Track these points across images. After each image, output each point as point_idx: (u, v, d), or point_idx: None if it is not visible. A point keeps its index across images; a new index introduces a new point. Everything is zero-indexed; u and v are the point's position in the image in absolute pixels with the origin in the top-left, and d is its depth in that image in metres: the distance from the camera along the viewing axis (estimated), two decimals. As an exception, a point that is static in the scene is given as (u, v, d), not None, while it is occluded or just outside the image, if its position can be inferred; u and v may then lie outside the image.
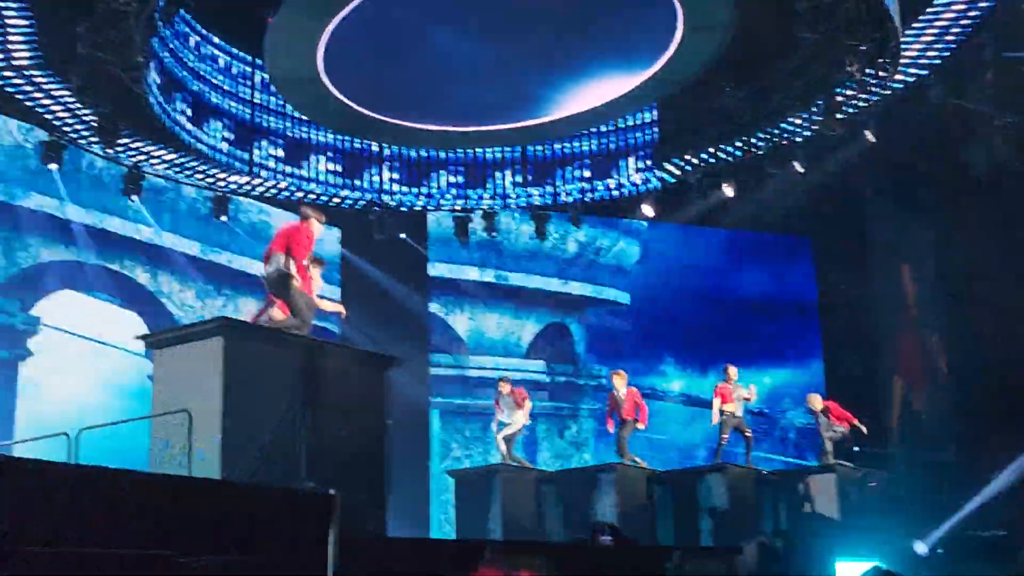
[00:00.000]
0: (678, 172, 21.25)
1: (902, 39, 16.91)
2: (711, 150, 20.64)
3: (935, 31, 17.62)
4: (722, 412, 17.49)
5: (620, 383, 17.51)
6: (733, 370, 17.87)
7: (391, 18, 16.86)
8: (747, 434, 17.64)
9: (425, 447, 22.21)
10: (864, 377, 21.86)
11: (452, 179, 21.37)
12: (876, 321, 21.79)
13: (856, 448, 18.72)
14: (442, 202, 21.65)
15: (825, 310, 23.13)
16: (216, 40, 18.55)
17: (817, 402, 18.01)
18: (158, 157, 19.47)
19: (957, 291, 21.88)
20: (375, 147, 20.78)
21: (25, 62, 16.67)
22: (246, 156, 19.13)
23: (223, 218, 20.74)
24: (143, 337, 11.31)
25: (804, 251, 23.96)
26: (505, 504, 16.59)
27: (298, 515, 8.64)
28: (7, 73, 16.87)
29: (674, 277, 23.90)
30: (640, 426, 17.43)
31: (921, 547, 14.85)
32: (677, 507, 16.96)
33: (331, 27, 16.50)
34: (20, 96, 17.43)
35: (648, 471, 17.33)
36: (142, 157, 19.34)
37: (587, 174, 21.39)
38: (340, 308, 13.16)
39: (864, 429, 17.54)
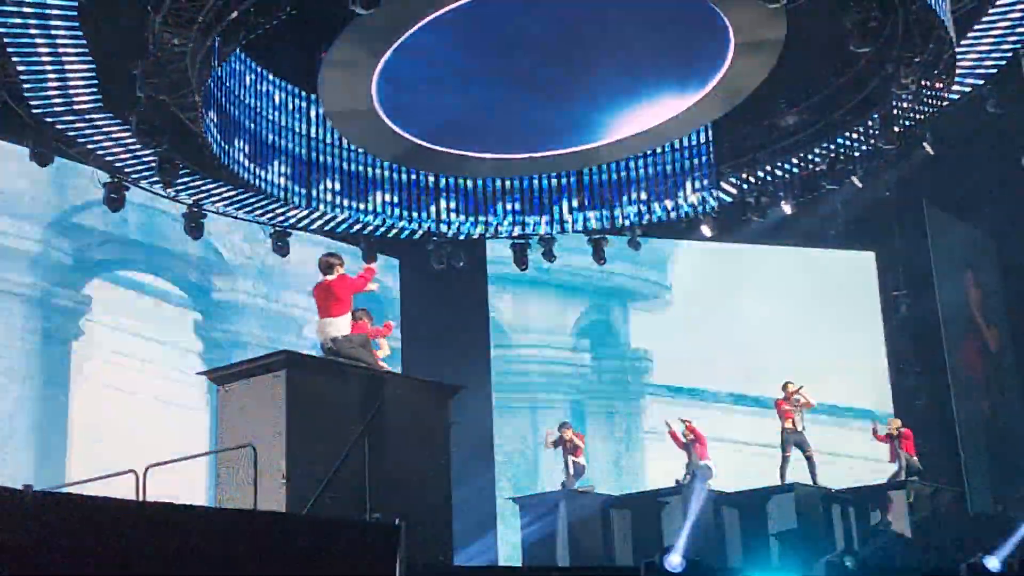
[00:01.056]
0: (735, 191, 21.13)
1: (957, 50, 16.74)
2: (768, 168, 20.53)
3: (990, 40, 17.42)
4: (784, 430, 17.46)
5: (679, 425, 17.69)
6: (792, 386, 17.81)
7: (443, 48, 16.95)
8: (808, 453, 17.53)
9: (491, 475, 22.19)
10: (930, 388, 21.60)
11: (509, 206, 21.39)
12: (940, 332, 21.52)
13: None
14: (500, 230, 21.67)
15: (889, 323, 22.87)
16: (271, 77, 18.73)
17: (895, 425, 17.95)
18: (218, 194, 19.68)
19: (1021, 295, 21.66)
20: (432, 177, 20.85)
21: (85, 105, 16.94)
22: (304, 191, 19.27)
23: (284, 254, 20.87)
24: (207, 373, 11.42)
25: (867, 266, 23.71)
26: (572, 529, 16.55)
27: (364, 546, 8.66)
28: (69, 117, 17.14)
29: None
30: (701, 460, 17.47)
31: (993, 562, 14.56)
32: (745, 529, 16.85)
33: (384, 59, 16.61)
34: (82, 139, 17.71)
35: (715, 492, 17.24)
36: (202, 195, 19.56)
37: (644, 196, 21.31)
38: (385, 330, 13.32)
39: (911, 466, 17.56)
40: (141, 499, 8.93)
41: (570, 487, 17.68)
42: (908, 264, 22.21)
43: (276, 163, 18.85)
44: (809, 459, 17.51)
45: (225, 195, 19.76)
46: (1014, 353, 22.74)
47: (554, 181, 21.33)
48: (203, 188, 19.41)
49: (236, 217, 20.59)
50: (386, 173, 20.37)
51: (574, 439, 18.18)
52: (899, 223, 22.16)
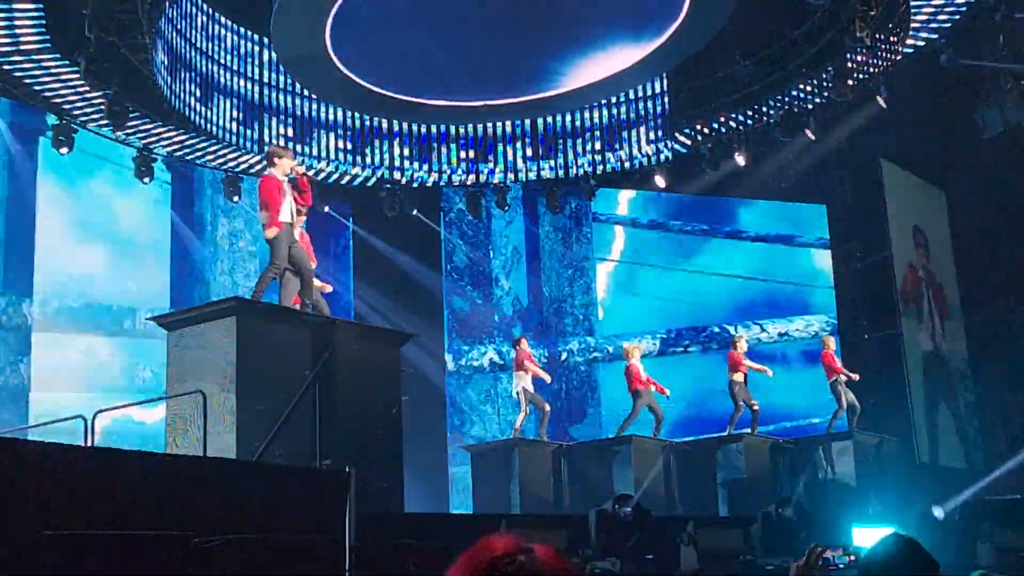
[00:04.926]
0: (689, 142, 21.20)
1: (912, 2, 16.80)
2: (722, 119, 20.59)
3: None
4: (733, 383, 17.64)
5: (636, 354, 17.65)
6: (743, 341, 18.01)
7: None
8: (754, 407, 17.73)
9: (442, 422, 22.27)
10: (881, 341, 21.83)
11: (463, 154, 21.35)
12: (892, 285, 21.73)
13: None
14: (453, 177, 21.64)
15: (840, 276, 23.05)
16: (222, 20, 18.54)
17: (829, 344, 18.25)
18: (168, 138, 19.50)
19: (969, 251, 21.90)
20: (384, 123, 20.76)
21: (33, 46, 16.70)
22: (255, 135, 19.13)
23: (235, 199, 20.74)
24: (156, 318, 11.37)
25: (819, 219, 23.85)
26: (523, 478, 16.66)
27: (315, 493, 8.71)
28: (16, 58, 16.90)
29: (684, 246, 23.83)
30: (665, 393, 17.55)
31: (939, 512, 14.89)
32: (694, 478, 17.05)
33: (338, 3, 16.46)
34: (29, 80, 17.47)
35: (664, 442, 17.40)
36: (152, 139, 19.37)
37: (598, 146, 21.34)
38: (325, 287, 13.20)
39: (852, 377, 17.83)
40: (89, 445, 8.91)
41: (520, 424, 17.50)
42: (860, 217, 22.36)
43: (227, 107, 18.70)
44: (754, 413, 17.72)
45: (175, 139, 19.59)
46: (962, 307, 22.99)
47: (508, 129, 21.30)
48: (153, 132, 19.23)
49: (186, 161, 20.42)
50: (339, 118, 20.27)
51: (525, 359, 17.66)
52: (852, 176, 22.28)
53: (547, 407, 17.62)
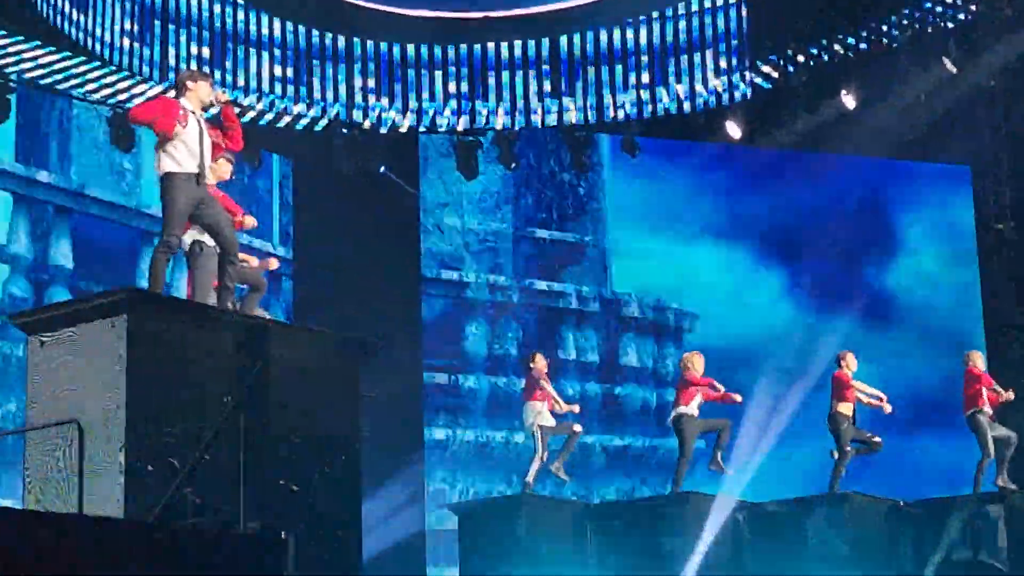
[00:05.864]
0: (776, 74, 21.16)
1: None
2: (824, 42, 20.55)
3: None
4: (838, 415, 17.49)
5: (699, 363, 17.67)
6: (851, 356, 17.85)
7: None
8: (875, 443, 17.64)
9: (420, 468, 22.23)
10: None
11: (452, 87, 21.33)
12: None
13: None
14: (438, 120, 21.61)
15: (986, 254, 23.10)
16: None
17: (976, 361, 18.09)
18: (36, 60, 19.43)
19: None
20: (342, 42, 20.73)
21: None
22: (155, 55, 19.10)
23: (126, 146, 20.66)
24: (13, 316, 11.35)
25: (960, 183, 23.86)
26: (533, 546, 16.65)
27: (235, 565, 8.67)
28: None
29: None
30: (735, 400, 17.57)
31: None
32: (776, 549, 17.03)
33: None
34: None
35: (737, 500, 17.40)
36: (10, 61, 19.31)
37: (645, 79, 21.31)
38: (270, 263, 13.16)
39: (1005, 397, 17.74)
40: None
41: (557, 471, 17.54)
42: (1017, 182, 22.37)
43: (118, 17, 18.67)
44: (876, 445, 17.57)
45: (47, 62, 19.53)
46: None
47: (518, 52, 21.27)
48: (11, 51, 19.18)
49: (62, 93, 20.36)
50: (276, 33, 20.25)
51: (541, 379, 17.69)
52: (1009, 126, 22.25)
53: (577, 428, 17.59)
